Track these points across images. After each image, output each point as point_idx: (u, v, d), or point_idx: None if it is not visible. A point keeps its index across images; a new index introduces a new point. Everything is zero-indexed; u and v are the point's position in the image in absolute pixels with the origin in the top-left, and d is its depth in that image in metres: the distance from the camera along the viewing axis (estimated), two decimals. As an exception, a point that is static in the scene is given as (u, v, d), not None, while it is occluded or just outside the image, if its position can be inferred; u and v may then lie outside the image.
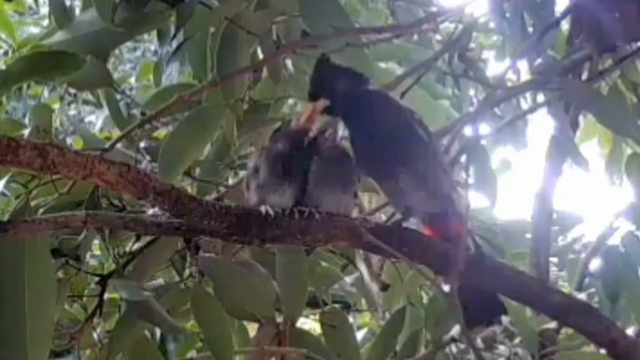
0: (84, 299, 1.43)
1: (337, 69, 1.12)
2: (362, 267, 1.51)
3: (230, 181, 1.51)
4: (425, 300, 1.68)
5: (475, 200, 1.56)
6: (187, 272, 1.41)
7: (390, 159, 1.07)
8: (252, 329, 1.51)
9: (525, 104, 2.09)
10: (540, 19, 1.49)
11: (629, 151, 1.81)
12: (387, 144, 1.07)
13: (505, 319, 1.15)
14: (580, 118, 1.80)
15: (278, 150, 1.13)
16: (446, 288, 1.11)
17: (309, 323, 1.79)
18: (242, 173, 1.47)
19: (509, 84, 1.82)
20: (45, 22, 2.59)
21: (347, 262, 1.59)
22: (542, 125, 2.23)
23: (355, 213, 1.15)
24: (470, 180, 1.34)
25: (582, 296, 1.86)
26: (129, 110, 1.75)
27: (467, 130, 1.54)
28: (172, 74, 1.61)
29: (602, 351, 1.11)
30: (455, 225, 1.08)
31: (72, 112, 2.98)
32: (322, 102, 1.09)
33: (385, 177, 1.09)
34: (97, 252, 1.56)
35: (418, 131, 1.09)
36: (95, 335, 1.43)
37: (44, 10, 2.66)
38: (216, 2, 1.46)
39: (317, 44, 1.48)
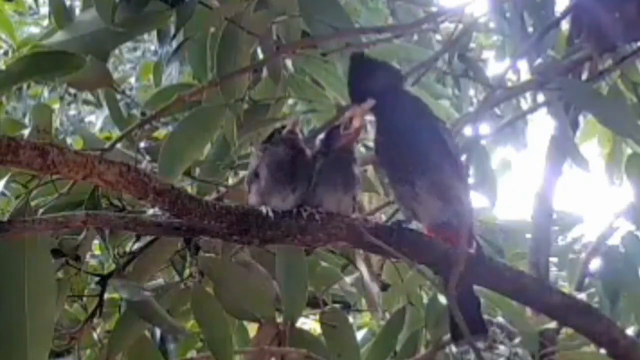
0: (84, 299, 1.43)
1: (374, 65, 1.10)
2: (362, 267, 1.51)
3: (230, 181, 1.51)
4: (425, 300, 1.68)
5: (475, 200, 1.56)
6: (187, 272, 1.41)
7: (413, 166, 1.07)
8: (252, 329, 1.51)
9: (525, 104, 2.09)
10: (540, 19, 1.49)
11: (629, 151, 1.81)
12: (412, 151, 1.07)
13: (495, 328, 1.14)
14: (580, 118, 1.80)
15: (281, 157, 1.12)
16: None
17: (309, 323, 1.79)
18: (242, 173, 1.47)
19: (509, 84, 1.82)
20: (45, 22, 2.59)
21: (347, 262, 1.59)
22: (542, 125, 2.23)
23: (355, 213, 1.14)
24: (470, 180, 1.34)
25: (582, 296, 1.86)
26: (129, 110, 1.75)
27: (467, 130, 1.54)
28: (172, 74, 1.61)
29: (602, 351, 1.11)
30: (458, 234, 1.08)
31: (72, 112, 2.98)
32: (370, 103, 1.07)
33: (402, 180, 1.09)
34: (97, 252, 1.56)
35: (447, 144, 1.08)
36: (95, 335, 1.42)
37: (44, 10, 2.66)
38: (216, 2, 1.46)
39: (317, 44, 1.48)
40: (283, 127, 1.17)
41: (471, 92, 2.45)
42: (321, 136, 1.17)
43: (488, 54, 2.49)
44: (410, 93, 1.15)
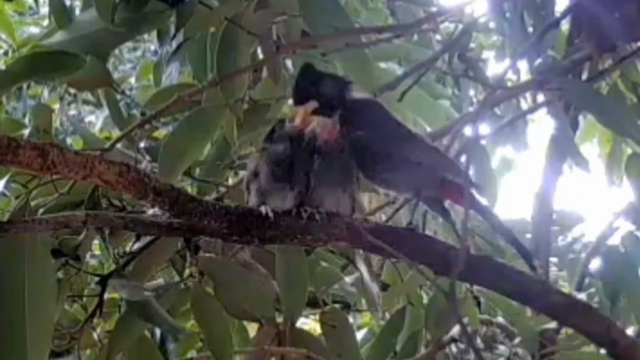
0: (84, 299, 1.43)
1: (321, 74, 1.15)
2: (362, 267, 1.51)
3: (230, 181, 1.51)
4: (425, 300, 1.68)
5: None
6: (187, 272, 1.41)
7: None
8: (252, 329, 1.51)
9: (525, 104, 2.09)
10: (540, 19, 1.49)
11: (629, 151, 1.81)
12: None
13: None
14: (580, 118, 1.80)
15: (278, 154, 1.12)
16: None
17: (309, 323, 1.79)
18: (242, 173, 1.47)
19: (509, 84, 1.82)
20: (45, 22, 2.59)
21: (347, 262, 1.59)
22: (542, 125, 2.23)
23: (355, 213, 1.14)
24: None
25: (582, 296, 1.86)
26: (129, 110, 1.75)
27: (467, 130, 1.54)
28: (172, 74, 1.61)
29: (602, 351, 1.11)
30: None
31: (72, 112, 2.98)
32: (312, 104, 1.11)
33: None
34: (97, 252, 1.56)
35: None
36: (95, 336, 1.42)
37: (44, 10, 2.66)
38: (216, 2, 1.46)
39: (317, 44, 1.48)
40: (281, 121, 1.17)
41: (471, 92, 2.45)
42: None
43: (488, 54, 2.48)
44: (361, 96, 1.18)
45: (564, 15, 1.49)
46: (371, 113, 1.14)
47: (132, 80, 2.66)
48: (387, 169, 1.10)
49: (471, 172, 1.24)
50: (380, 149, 1.10)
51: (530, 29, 1.52)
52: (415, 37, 1.99)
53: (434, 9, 1.89)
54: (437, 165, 1.11)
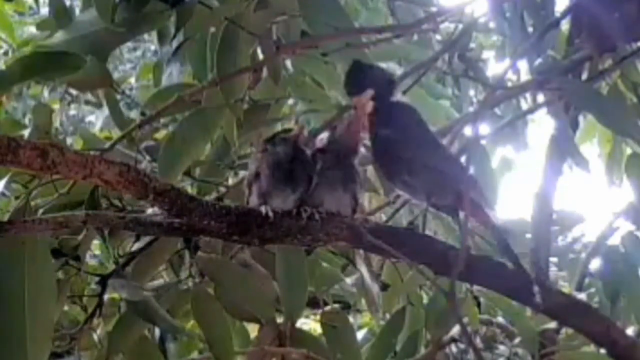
0: (84, 299, 1.43)
1: (371, 66, 1.16)
2: (362, 267, 1.51)
3: (230, 181, 1.51)
4: (425, 300, 1.68)
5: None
6: (187, 272, 1.41)
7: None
8: (253, 329, 1.51)
9: (525, 104, 2.09)
10: (540, 19, 1.49)
11: (629, 151, 1.80)
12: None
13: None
14: (580, 118, 1.80)
15: (280, 157, 1.12)
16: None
17: (309, 323, 1.79)
18: (242, 173, 1.47)
19: (509, 84, 1.82)
20: (46, 22, 2.58)
21: (347, 262, 1.59)
22: (542, 125, 2.23)
23: (356, 212, 1.14)
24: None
25: (582, 296, 1.86)
26: (129, 110, 1.75)
27: (467, 130, 1.54)
28: (172, 74, 1.61)
29: (602, 351, 1.11)
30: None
31: (72, 112, 2.98)
32: (369, 92, 1.11)
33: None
34: (97, 252, 1.55)
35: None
36: (95, 336, 1.42)
37: (44, 10, 2.65)
38: (216, 2, 1.46)
39: (317, 44, 1.48)
40: (286, 130, 1.17)
41: (471, 92, 2.45)
42: (322, 136, 1.17)
43: (488, 54, 2.48)
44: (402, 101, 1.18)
45: (564, 15, 1.49)
46: (404, 116, 1.13)
47: (132, 80, 2.66)
48: (409, 172, 1.10)
49: (471, 172, 1.24)
50: (405, 152, 1.09)
51: (530, 29, 1.52)
52: (415, 37, 1.99)
53: (434, 9, 1.88)
54: (456, 177, 1.10)
